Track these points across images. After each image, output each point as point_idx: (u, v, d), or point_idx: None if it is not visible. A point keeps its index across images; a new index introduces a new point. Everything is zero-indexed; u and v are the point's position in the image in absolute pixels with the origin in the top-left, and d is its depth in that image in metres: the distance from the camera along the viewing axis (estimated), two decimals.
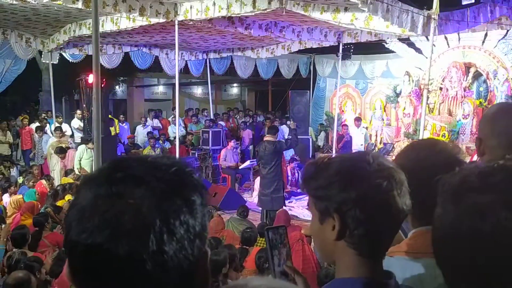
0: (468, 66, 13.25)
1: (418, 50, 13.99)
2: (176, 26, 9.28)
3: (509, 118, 1.95)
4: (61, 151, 11.15)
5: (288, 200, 10.49)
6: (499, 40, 12.69)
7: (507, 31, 12.00)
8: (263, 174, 9.12)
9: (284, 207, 8.91)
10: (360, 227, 1.25)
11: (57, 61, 13.30)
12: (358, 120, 13.37)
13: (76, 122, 13.51)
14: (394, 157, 1.72)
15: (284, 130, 13.87)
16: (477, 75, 13.39)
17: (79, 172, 10.26)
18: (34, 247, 5.89)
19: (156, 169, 0.88)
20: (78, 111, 13.50)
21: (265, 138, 9.27)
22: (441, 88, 13.29)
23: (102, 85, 10.78)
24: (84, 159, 10.62)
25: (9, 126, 13.26)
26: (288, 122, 13.22)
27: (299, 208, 10.48)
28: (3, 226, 6.17)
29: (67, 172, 10.24)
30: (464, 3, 8.21)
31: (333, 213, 1.26)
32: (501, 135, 1.89)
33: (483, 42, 12.92)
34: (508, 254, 0.87)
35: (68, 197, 8.37)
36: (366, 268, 1.29)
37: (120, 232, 0.81)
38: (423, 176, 1.37)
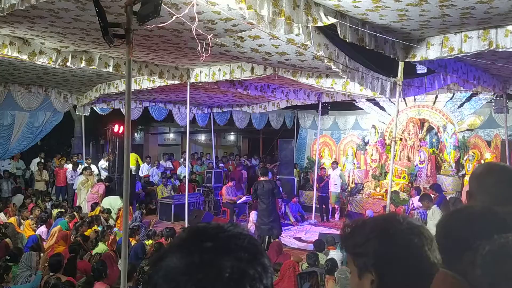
0: (422, 122, 13.37)
1: (381, 108, 14.13)
2: (188, 87, 9.30)
3: (497, 175, 1.90)
4: (110, 180, 10.96)
5: None
6: (447, 101, 12.86)
7: (454, 94, 12.18)
8: (263, 207, 8.85)
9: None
10: (396, 280, 1.17)
11: (88, 113, 13.25)
12: (335, 163, 13.31)
13: (103, 163, 13.35)
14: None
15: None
16: (430, 129, 13.50)
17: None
18: (70, 271, 5.58)
19: (236, 238, 0.83)
20: (104, 154, 13.38)
21: (261, 178, 9.09)
22: (401, 139, 13.33)
23: (122, 132, 10.71)
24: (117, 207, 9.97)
25: (46, 166, 13.02)
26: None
27: (287, 237, 10.24)
28: (41, 255, 5.91)
29: (92, 207, 9.94)
30: (418, 72, 8.29)
31: (371, 268, 1.18)
32: (490, 189, 1.82)
33: (434, 102, 13.09)
34: None
35: (94, 227, 8.12)
36: None
37: None
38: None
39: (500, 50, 5.76)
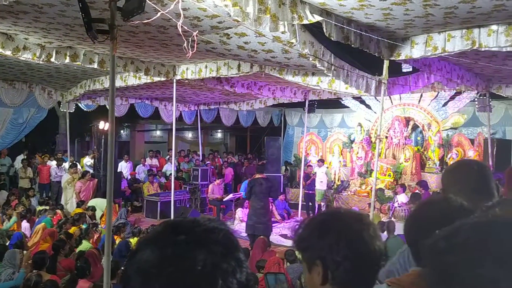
0: (407, 120, 13.49)
1: (367, 106, 14.23)
2: (174, 84, 9.24)
3: (468, 169, 1.95)
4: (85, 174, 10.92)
5: None
6: (432, 100, 13.00)
7: (438, 92, 12.33)
8: (260, 205, 8.63)
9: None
10: (340, 268, 1.17)
11: (73, 110, 13.11)
12: (321, 161, 13.36)
13: (88, 160, 13.23)
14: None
15: None
16: (415, 127, 13.63)
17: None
18: (52, 269, 5.55)
19: (210, 232, 0.83)
20: (90, 152, 13.26)
21: (259, 176, 8.88)
22: (386, 137, 13.45)
23: (107, 129, 10.63)
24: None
25: (30, 164, 12.85)
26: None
27: (273, 235, 10.25)
28: (24, 252, 5.85)
29: (78, 204, 9.86)
30: (404, 70, 8.37)
31: (316, 260, 1.20)
32: (461, 183, 1.87)
33: (419, 101, 13.22)
34: None
35: (80, 225, 8.05)
36: None
37: None
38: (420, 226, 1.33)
39: (483, 49, 5.84)
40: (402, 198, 10.41)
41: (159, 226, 0.88)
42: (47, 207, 9.41)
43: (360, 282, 1.20)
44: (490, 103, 10.54)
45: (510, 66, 7.68)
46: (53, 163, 12.87)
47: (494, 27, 5.58)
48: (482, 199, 1.78)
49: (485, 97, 10.40)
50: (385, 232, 6.87)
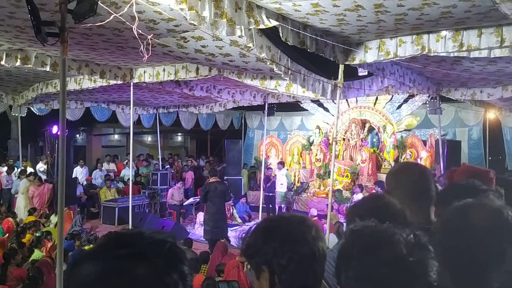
0: (364, 122, 13.84)
1: (325, 109, 14.49)
2: (132, 87, 9.08)
3: (409, 173, 2.01)
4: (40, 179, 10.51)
5: None
6: (387, 103, 13.39)
7: (392, 96, 12.73)
8: (214, 209, 8.64)
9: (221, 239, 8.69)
10: (285, 271, 1.19)
11: (25, 114, 12.63)
12: (281, 163, 13.48)
13: (41, 166, 12.77)
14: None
15: None
16: (371, 129, 13.99)
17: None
18: (2, 279, 5.33)
19: (154, 245, 0.82)
20: (43, 157, 12.82)
21: (212, 180, 8.88)
22: (344, 139, 13.74)
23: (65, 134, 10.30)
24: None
25: None
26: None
27: (233, 238, 10.24)
28: None
29: (30, 212, 9.48)
30: (360, 74, 8.57)
31: (263, 265, 1.21)
32: (403, 186, 1.93)
33: (375, 103, 13.59)
34: None
35: (34, 233, 7.76)
36: None
37: None
38: None
39: (432, 54, 6.08)
40: (359, 198, 10.65)
41: (103, 238, 0.87)
42: None
43: (306, 284, 1.22)
44: (441, 106, 10.98)
45: (458, 71, 8.04)
46: (4, 170, 12.36)
47: (442, 33, 5.82)
48: (422, 204, 1.86)
49: (435, 100, 10.82)
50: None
